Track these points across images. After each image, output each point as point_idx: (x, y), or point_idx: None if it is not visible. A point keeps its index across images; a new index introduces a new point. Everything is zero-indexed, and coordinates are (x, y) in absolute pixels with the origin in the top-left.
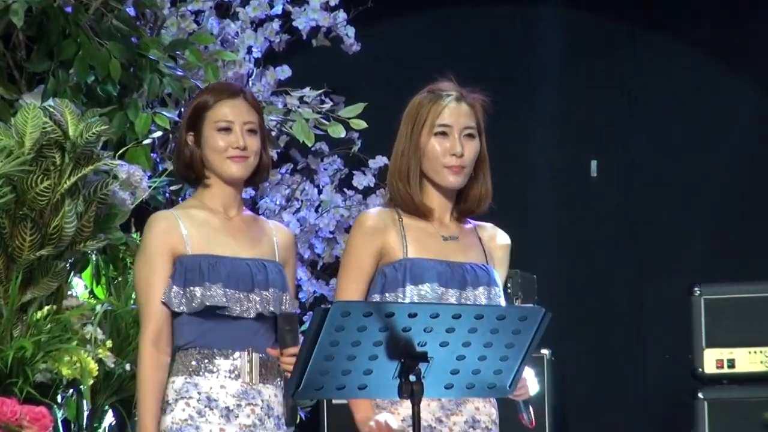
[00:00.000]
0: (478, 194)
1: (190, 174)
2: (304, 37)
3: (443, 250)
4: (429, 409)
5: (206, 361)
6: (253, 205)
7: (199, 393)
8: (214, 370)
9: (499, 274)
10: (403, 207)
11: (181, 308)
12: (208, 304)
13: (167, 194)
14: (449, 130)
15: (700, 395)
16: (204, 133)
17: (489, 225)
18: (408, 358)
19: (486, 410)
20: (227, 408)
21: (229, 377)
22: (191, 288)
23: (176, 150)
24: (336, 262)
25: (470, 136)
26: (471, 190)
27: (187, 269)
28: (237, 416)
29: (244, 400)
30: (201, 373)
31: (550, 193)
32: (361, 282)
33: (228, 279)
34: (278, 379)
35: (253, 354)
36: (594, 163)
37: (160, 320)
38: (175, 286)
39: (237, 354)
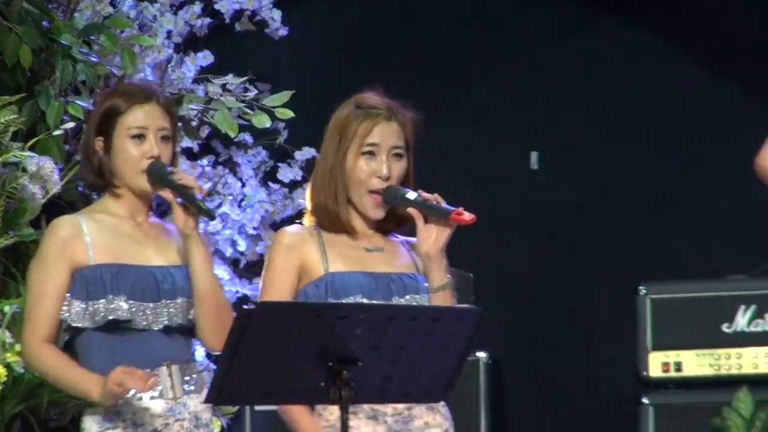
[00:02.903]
0: (402, 214)
1: (99, 182)
2: (227, 21)
3: (366, 261)
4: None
5: None
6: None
7: (123, 421)
8: (134, 394)
9: None
10: (326, 222)
11: (85, 324)
12: (111, 317)
13: (80, 188)
14: (377, 149)
15: (644, 400)
16: (115, 141)
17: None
18: (337, 362)
19: (436, 422)
20: (155, 430)
21: (153, 398)
22: (94, 302)
23: (83, 155)
24: (260, 260)
25: (398, 155)
26: (396, 210)
27: (89, 282)
28: None
29: (171, 417)
30: (121, 399)
31: (489, 188)
32: (282, 299)
33: (133, 290)
34: (203, 385)
35: (172, 367)
36: (534, 155)
37: (46, 330)
38: (76, 301)
39: (156, 371)
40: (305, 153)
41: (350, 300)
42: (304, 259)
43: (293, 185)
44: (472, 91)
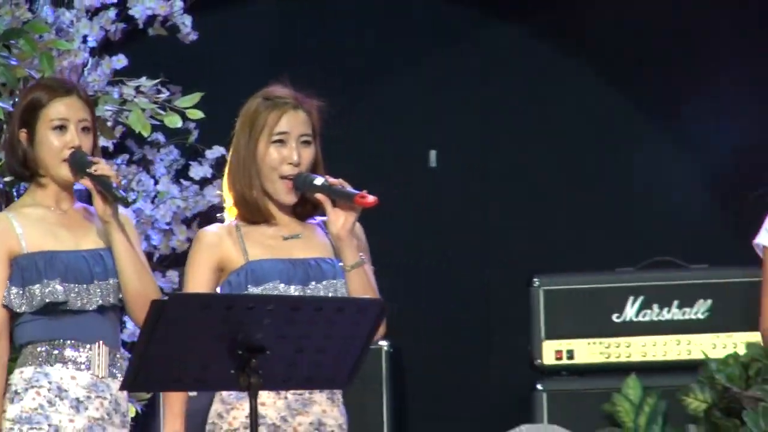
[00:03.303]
0: (314, 198)
1: (24, 172)
2: (141, 26)
3: (284, 248)
4: (275, 407)
5: (56, 352)
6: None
7: (49, 383)
8: (65, 360)
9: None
10: (246, 212)
11: (23, 308)
12: (47, 300)
13: (1, 186)
14: (287, 137)
15: (539, 386)
16: (38, 132)
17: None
18: (245, 351)
19: (333, 414)
20: (77, 399)
21: (80, 369)
22: (30, 287)
23: (8, 146)
24: (173, 254)
25: (307, 143)
26: (307, 195)
27: (24, 269)
28: (87, 408)
29: (93, 393)
30: (52, 363)
31: (390, 184)
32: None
33: (66, 273)
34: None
35: (103, 347)
36: (433, 153)
37: None
38: (14, 288)
39: (88, 346)
40: (215, 152)
41: (269, 286)
42: (222, 257)
43: (204, 182)
44: (375, 89)
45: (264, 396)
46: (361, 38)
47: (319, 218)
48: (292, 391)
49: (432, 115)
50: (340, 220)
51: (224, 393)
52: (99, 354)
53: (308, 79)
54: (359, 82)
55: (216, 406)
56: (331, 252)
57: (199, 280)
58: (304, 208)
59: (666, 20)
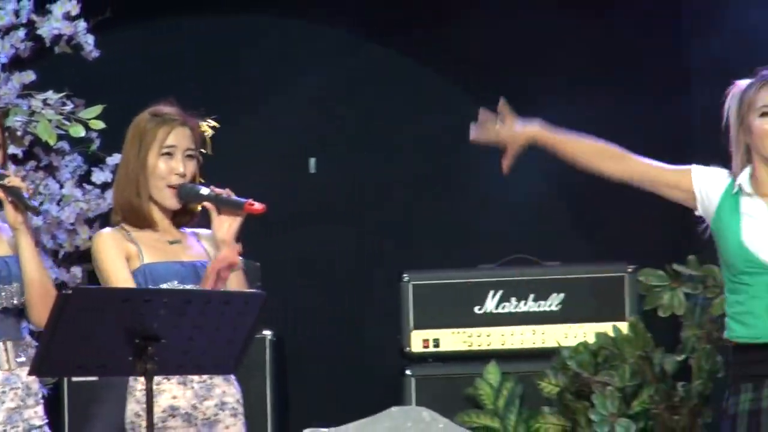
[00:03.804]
0: (193, 209)
1: None
2: (48, 44)
3: (173, 251)
4: (185, 397)
5: None
6: None
7: None
8: None
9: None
10: (130, 217)
11: None
12: None
13: None
14: (174, 150)
15: (408, 372)
16: None
17: (203, 230)
18: (142, 340)
19: (230, 392)
20: None
21: None
22: None
23: None
24: (77, 251)
25: (191, 156)
26: (187, 206)
27: None
28: (3, 402)
29: (7, 386)
30: None
31: (273, 189)
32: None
33: None
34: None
35: (8, 343)
36: (312, 161)
37: None
38: None
39: None
40: (115, 158)
41: (167, 285)
42: (125, 254)
43: (105, 186)
44: (260, 104)
45: (175, 390)
46: (245, 56)
47: (189, 230)
48: (197, 381)
49: (311, 126)
50: (225, 225)
51: (138, 393)
52: (5, 350)
53: (197, 93)
54: (246, 95)
55: (131, 406)
56: (207, 257)
57: (121, 270)
58: (183, 217)
59: (519, 38)
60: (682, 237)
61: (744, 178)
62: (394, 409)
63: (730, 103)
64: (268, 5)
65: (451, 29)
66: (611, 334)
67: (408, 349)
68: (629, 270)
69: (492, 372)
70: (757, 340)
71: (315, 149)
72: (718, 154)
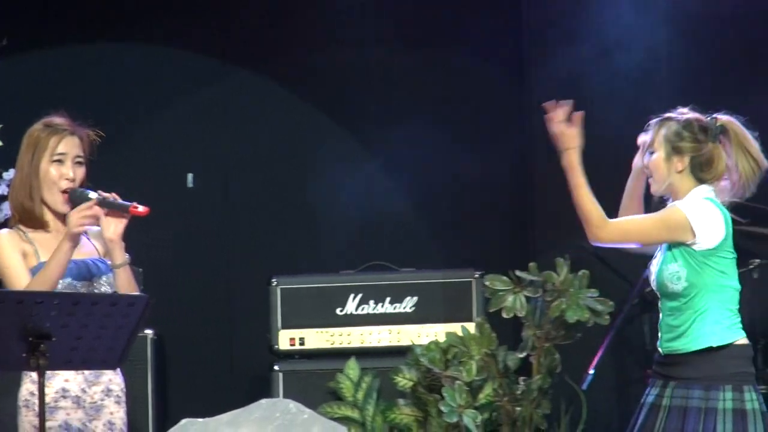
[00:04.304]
0: None
1: None
2: None
3: None
4: (76, 381)
5: None
6: None
7: None
8: None
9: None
10: (25, 219)
11: None
12: None
13: None
14: (64, 158)
15: (276, 368)
16: None
17: (93, 228)
18: (35, 337)
19: (116, 381)
20: None
21: None
22: None
23: None
24: None
25: (80, 163)
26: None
27: None
28: None
29: None
30: None
31: (154, 200)
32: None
33: None
34: None
35: None
36: (190, 176)
37: None
38: None
39: None
40: (11, 173)
41: (65, 282)
42: (22, 253)
43: (2, 199)
44: (143, 122)
45: (66, 374)
46: (129, 80)
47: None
48: None
49: (189, 144)
50: (112, 226)
51: (33, 374)
52: None
53: (87, 113)
54: (129, 114)
55: (27, 386)
56: (97, 254)
57: (19, 267)
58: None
59: (373, 64)
60: (524, 246)
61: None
62: (263, 401)
63: None
64: (149, 34)
65: (308, 58)
66: (460, 333)
67: (276, 346)
68: (476, 275)
69: (352, 367)
70: (658, 347)
71: (192, 165)
72: (556, 199)
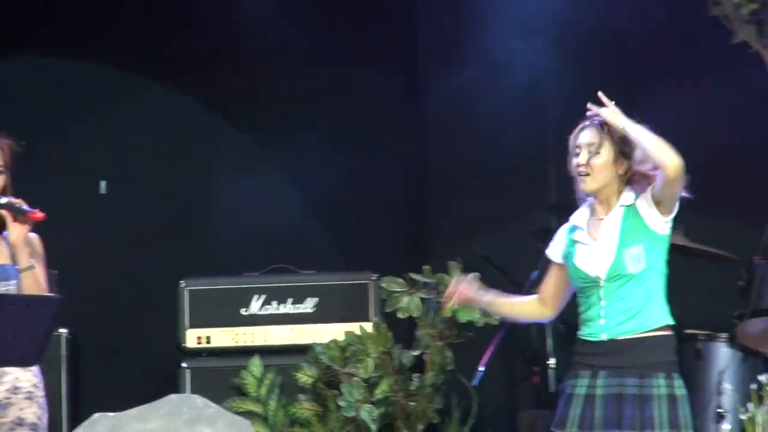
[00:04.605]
0: (2, 216)
1: None
2: None
3: None
4: None
5: None
6: None
7: None
8: None
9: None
10: None
11: None
12: None
13: None
14: None
15: (183, 365)
16: None
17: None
18: None
19: (26, 377)
20: None
21: None
22: None
23: None
24: None
25: (1, 172)
26: None
27: None
28: None
29: None
30: None
31: (70, 206)
32: None
33: None
34: None
35: None
36: (103, 183)
37: None
38: None
39: None
40: None
41: None
42: None
43: None
44: (59, 134)
45: None
46: (43, 92)
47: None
48: None
49: (103, 153)
50: (16, 231)
51: None
52: None
53: (3, 124)
54: (46, 125)
55: None
56: (10, 260)
57: None
58: None
59: (278, 78)
60: (418, 250)
61: (580, 214)
62: (172, 396)
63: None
64: (63, 49)
65: (216, 72)
66: (358, 332)
67: (184, 345)
68: (373, 278)
69: (255, 365)
70: (591, 338)
71: (106, 173)
72: (449, 207)
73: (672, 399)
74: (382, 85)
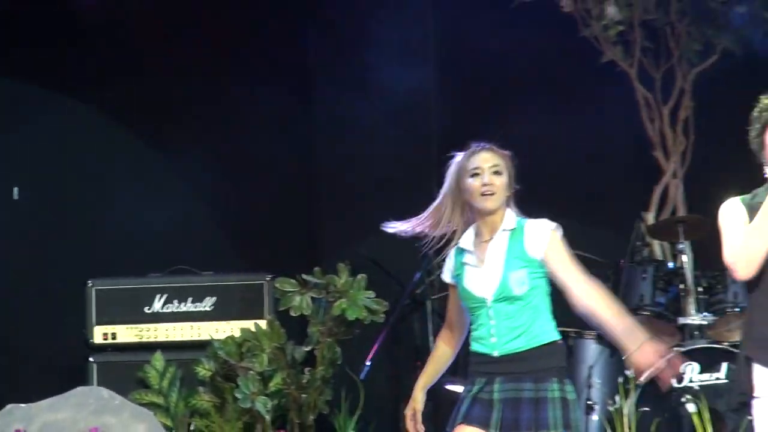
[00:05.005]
0: None
1: None
2: None
3: None
4: None
5: None
6: None
7: None
8: None
9: None
10: None
11: None
12: None
13: None
14: None
15: (91, 359)
16: None
17: None
18: None
19: None
20: None
21: None
22: None
23: None
24: None
25: None
26: None
27: None
28: None
29: None
30: None
31: None
32: None
33: None
34: None
35: None
36: (15, 190)
37: None
38: None
39: None
40: None
41: None
42: None
43: None
44: None
45: None
46: None
47: None
48: None
49: (16, 161)
50: None
51: None
52: None
53: None
54: None
55: None
56: None
57: None
58: None
59: (178, 91)
60: (309, 253)
61: (467, 237)
62: (79, 388)
63: (449, 174)
64: None
65: (122, 82)
66: (253, 329)
67: (91, 340)
68: (267, 278)
69: (158, 359)
70: (484, 353)
71: (18, 180)
72: (337, 213)
73: (564, 402)
74: (276, 98)
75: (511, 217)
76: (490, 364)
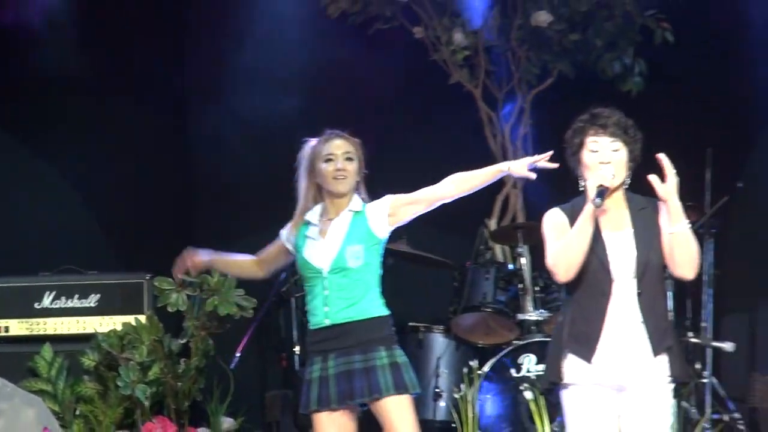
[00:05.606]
0: None
1: None
2: None
3: None
4: None
5: None
6: None
7: None
8: None
9: None
10: None
11: None
12: None
13: None
14: None
15: None
16: None
17: None
18: None
19: None
20: None
21: None
22: None
23: None
24: None
25: None
26: None
27: None
28: None
29: None
30: None
31: None
32: None
33: None
34: None
35: None
36: None
37: None
38: None
39: None
40: None
41: None
42: None
43: None
44: None
45: None
46: None
47: None
48: None
49: None
50: None
51: None
52: None
53: None
54: None
55: None
56: None
57: None
58: None
59: (74, 108)
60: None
61: (314, 213)
62: None
63: (302, 158)
64: None
65: (26, 102)
66: (134, 323)
67: None
68: (147, 277)
69: (47, 351)
70: (318, 326)
71: None
72: (213, 217)
73: (395, 366)
74: (153, 113)
75: (357, 201)
76: (323, 341)
